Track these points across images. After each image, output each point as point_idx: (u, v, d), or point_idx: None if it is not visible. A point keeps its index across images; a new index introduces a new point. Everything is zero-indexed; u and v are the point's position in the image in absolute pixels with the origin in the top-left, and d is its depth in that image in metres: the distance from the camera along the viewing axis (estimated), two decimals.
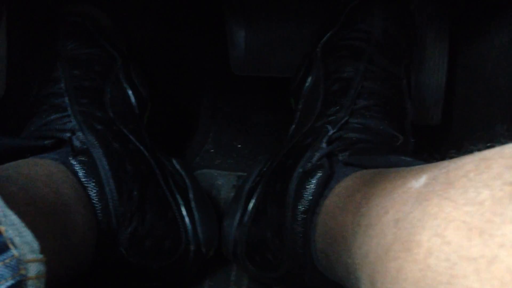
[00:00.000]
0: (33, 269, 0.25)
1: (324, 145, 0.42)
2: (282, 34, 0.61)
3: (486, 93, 0.52)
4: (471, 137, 0.53)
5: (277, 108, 0.68)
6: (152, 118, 0.55)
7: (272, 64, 0.63)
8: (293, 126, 0.50)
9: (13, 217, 0.26)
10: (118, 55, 0.52)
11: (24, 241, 0.26)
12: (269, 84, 0.67)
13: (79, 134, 0.44)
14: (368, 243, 0.26)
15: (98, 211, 0.41)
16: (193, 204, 0.49)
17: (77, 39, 0.51)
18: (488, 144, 0.22)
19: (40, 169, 0.39)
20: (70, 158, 0.42)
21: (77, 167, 0.41)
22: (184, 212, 0.48)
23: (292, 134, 0.49)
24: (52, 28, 0.52)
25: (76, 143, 0.43)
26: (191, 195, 0.49)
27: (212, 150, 0.67)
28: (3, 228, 0.25)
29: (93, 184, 0.41)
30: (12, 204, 0.27)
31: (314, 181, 0.40)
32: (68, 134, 0.43)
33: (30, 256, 0.25)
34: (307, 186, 0.40)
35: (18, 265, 0.25)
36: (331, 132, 0.43)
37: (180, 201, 0.48)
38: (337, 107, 0.45)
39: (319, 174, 0.40)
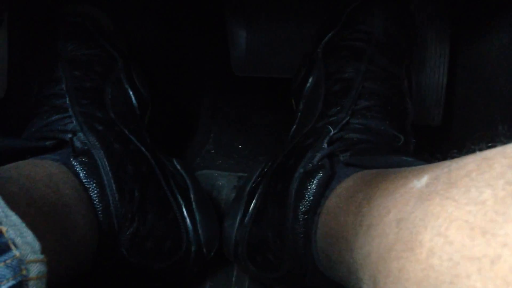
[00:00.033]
0: (34, 270, 0.25)
1: (325, 145, 0.42)
2: (282, 35, 0.61)
3: (487, 93, 0.52)
4: (472, 137, 0.53)
5: (277, 108, 0.68)
6: (153, 118, 0.55)
7: (273, 65, 0.63)
8: (294, 126, 0.50)
9: (14, 218, 0.26)
10: (118, 55, 0.52)
11: (25, 242, 0.26)
12: (269, 85, 0.67)
13: (80, 135, 0.44)
14: (370, 243, 0.26)
15: (99, 212, 0.41)
16: (194, 205, 0.49)
17: (78, 39, 0.51)
18: (490, 144, 0.22)
19: (41, 170, 0.39)
20: (71, 159, 0.42)
21: (78, 168, 0.41)
22: (185, 212, 0.48)
23: (293, 135, 0.49)
24: (53, 29, 0.52)
25: (77, 144, 0.43)
26: (192, 196, 0.49)
27: (212, 151, 0.67)
28: (4, 229, 0.25)
29: (94, 184, 0.41)
30: (13, 205, 0.27)
31: (315, 182, 0.40)
32: (69, 135, 0.43)
33: (31, 257, 0.25)
34: (308, 187, 0.40)
35: (19, 265, 0.24)
36: (332, 132, 0.43)
37: (181, 202, 0.48)
38: (338, 108, 0.45)
39: (320, 174, 0.40)
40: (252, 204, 0.48)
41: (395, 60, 0.48)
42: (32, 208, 0.32)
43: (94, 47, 0.51)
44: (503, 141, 0.21)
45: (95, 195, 0.41)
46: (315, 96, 0.48)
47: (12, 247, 0.25)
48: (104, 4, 0.55)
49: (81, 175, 0.41)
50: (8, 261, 0.24)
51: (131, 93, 0.51)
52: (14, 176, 0.35)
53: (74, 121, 0.45)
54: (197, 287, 0.52)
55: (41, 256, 0.26)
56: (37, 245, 0.26)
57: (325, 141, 0.42)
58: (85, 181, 0.41)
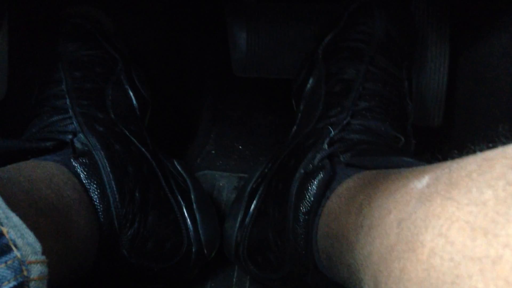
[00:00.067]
0: (35, 271, 0.25)
1: (325, 146, 0.42)
2: (283, 36, 0.61)
3: (487, 94, 0.52)
4: (472, 137, 0.53)
5: (278, 109, 0.68)
6: (153, 119, 0.55)
7: (273, 66, 0.63)
8: (295, 127, 0.50)
9: (15, 219, 0.26)
10: (119, 56, 0.52)
11: (26, 243, 0.26)
12: (270, 86, 0.67)
13: (81, 136, 0.44)
14: (371, 244, 0.26)
15: (99, 213, 0.41)
16: (194, 206, 0.49)
17: (79, 40, 0.51)
18: (490, 145, 0.22)
19: (41, 171, 0.39)
20: (71, 160, 0.42)
21: (79, 169, 0.41)
22: (185, 213, 0.48)
23: (294, 136, 0.49)
24: (54, 30, 0.52)
25: (78, 145, 0.43)
26: (192, 197, 0.49)
27: (213, 152, 0.67)
28: (5, 230, 0.25)
29: (95, 185, 0.41)
30: (14, 206, 0.27)
31: (316, 182, 0.40)
32: (69, 136, 0.43)
33: (32, 258, 0.25)
34: (309, 187, 0.40)
35: (20, 266, 0.24)
36: (332, 133, 0.43)
37: (182, 203, 0.48)
38: (339, 109, 0.45)
39: (320, 175, 0.40)
40: (252, 205, 0.48)
41: (396, 61, 0.48)
42: (33, 209, 0.32)
43: (94, 48, 0.51)
44: (504, 142, 0.21)
45: (96, 196, 0.41)
46: (316, 97, 0.48)
47: (13, 248, 0.25)
48: (105, 6, 0.55)
49: (81, 176, 0.41)
50: (9, 262, 0.24)
51: (131, 94, 0.51)
52: (14, 177, 0.35)
53: (74, 122, 0.45)
54: None
55: (42, 257, 0.26)
56: (38, 246, 0.26)
57: (326, 142, 0.42)
58: (86, 182, 0.41)
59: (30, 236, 0.26)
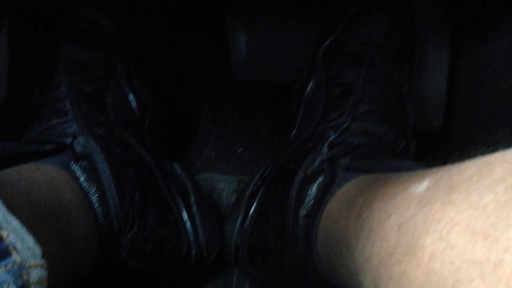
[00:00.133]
0: (35, 274, 0.25)
1: (325, 149, 0.42)
2: (283, 39, 0.61)
3: (488, 97, 0.52)
4: (472, 141, 0.53)
5: (278, 112, 0.68)
6: (153, 121, 0.55)
7: (273, 69, 0.63)
8: (294, 130, 0.50)
9: (14, 222, 0.26)
10: (119, 59, 0.52)
11: (25, 246, 0.26)
12: (270, 89, 0.67)
13: (80, 138, 0.44)
14: (371, 247, 0.26)
15: (99, 216, 0.41)
16: (194, 208, 0.49)
17: (79, 43, 0.51)
18: (490, 149, 0.22)
19: (41, 174, 0.39)
20: (71, 163, 0.42)
21: (79, 172, 0.41)
22: (185, 216, 0.48)
23: (294, 139, 0.49)
24: (54, 32, 0.52)
25: (78, 147, 0.43)
26: (192, 199, 0.49)
27: (213, 154, 0.67)
28: (5, 233, 0.25)
29: (95, 189, 0.41)
30: (13, 209, 0.27)
31: (315, 186, 0.40)
32: (69, 139, 0.43)
33: (32, 261, 0.25)
34: (309, 191, 0.40)
35: (20, 270, 0.24)
36: (332, 136, 0.43)
37: (182, 205, 0.48)
38: (339, 112, 0.45)
39: (320, 178, 0.40)
40: (252, 208, 0.48)
41: (396, 64, 0.48)
42: (33, 213, 0.32)
43: (94, 51, 0.51)
44: (504, 146, 0.21)
45: (95, 199, 0.41)
46: (316, 100, 0.48)
47: (13, 252, 0.25)
48: (105, 8, 0.55)
49: (81, 179, 0.41)
50: (8, 266, 0.24)
51: (131, 96, 0.51)
52: (14, 180, 0.35)
53: (74, 124, 0.45)
54: None
55: (41, 261, 0.26)
56: (37, 249, 0.26)
57: (326, 145, 0.42)
58: (86, 185, 0.41)
59: (30, 240, 0.26)
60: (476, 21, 0.55)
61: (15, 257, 0.25)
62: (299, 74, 0.53)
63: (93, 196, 0.41)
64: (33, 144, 0.43)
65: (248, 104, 0.70)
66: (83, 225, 0.38)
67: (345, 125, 0.44)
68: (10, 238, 0.25)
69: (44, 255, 0.26)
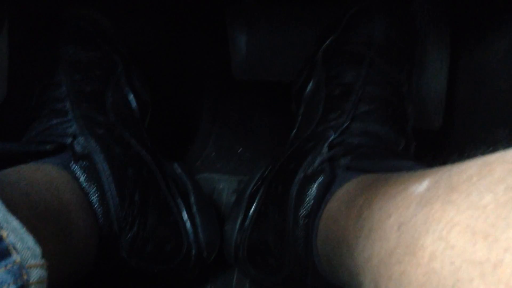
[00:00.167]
0: (35, 274, 0.25)
1: (325, 149, 0.42)
2: (283, 39, 0.61)
3: (488, 97, 0.52)
4: (472, 141, 0.53)
5: (278, 112, 0.68)
6: (153, 121, 0.55)
7: (273, 69, 0.63)
8: (295, 130, 0.50)
9: (14, 222, 0.26)
10: (119, 59, 0.52)
11: (25, 246, 0.26)
12: (270, 89, 0.67)
13: (80, 138, 0.44)
14: (371, 247, 0.26)
15: (99, 216, 0.41)
16: (194, 208, 0.49)
17: (79, 43, 0.51)
18: (490, 149, 0.22)
19: (41, 174, 0.39)
20: (71, 163, 0.42)
21: (79, 172, 0.41)
22: (185, 216, 0.48)
23: (294, 139, 0.49)
24: (54, 32, 0.52)
25: (77, 147, 0.43)
26: (192, 199, 0.49)
27: (213, 154, 0.67)
28: (5, 233, 0.25)
29: (95, 189, 0.41)
30: (13, 209, 0.27)
31: (315, 186, 0.40)
32: (69, 139, 0.43)
33: (32, 261, 0.25)
34: (309, 191, 0.40)
35: (20, 270, 0.24)
36: (332, 136, 0.43)
37: (182, 205, 0.48)
38: (339, 112, 0.45)
39: (320, 178, 0.40)
40: (252, 208, 0.48)
41: (396, 64, 0.48)
42: (33, 213, 0.32)
43: (94, 51, 0.51)
44: (504, 146, 0.21)
45: (95, 199, 0.41)
46: (316, 100, 0.48)
47: (13, 252, 0.25)
48: (105, 8, 0.55)
49: (81, 179, 0.41)
50: (8, 266, 0.24)
51: (131, 96, 0.51)
52: (14, 180, 0.35)
53: (74, 124, 0.45)
54: None
55: (41, 261, 0.26)
56: (37, 249, 0.26)
57: (326, 145, 0.43)
58: (86, 185, 0.41)
59: (30, 240, 0.26)
60: (476, 21, 0.55)
61: (15, 257, 0.25)
62: (299, 74, 0.53)
63: (93, 196, 0.41)
64: (33, 144, 0.43)
65: (248, 104, 0.70)
66: (83, 225, 0.38)
67: (345, 125, 0.44)
68: (10, 238, 0.25)
69: (44, 255, 0.26)
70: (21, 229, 0.26)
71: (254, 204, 0.48)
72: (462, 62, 0.58)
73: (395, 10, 0.50)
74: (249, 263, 0.48)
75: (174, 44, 0.68)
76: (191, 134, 0.68)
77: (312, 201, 0.40)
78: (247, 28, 0.61)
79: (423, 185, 0.24)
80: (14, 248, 0.25)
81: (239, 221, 0.48)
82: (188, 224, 0.48)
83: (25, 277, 0.25)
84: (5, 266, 0.24)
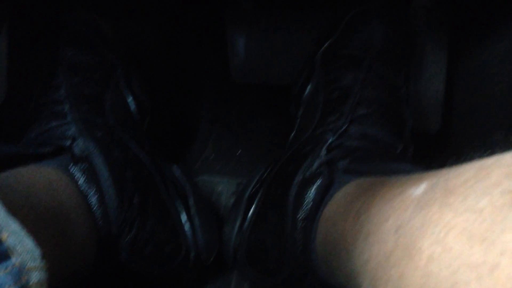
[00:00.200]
0: (35, 277, 0.25)
1: (323, 152, 0.42)
2: (281, 42, 0.61)
3: (485, 101, 0.52)
4: (470, 145, 0.53)
5: (277, 115, 0.68)
6: (152, 124, 0.55)
7: (272, 72, 0.63)
8: (293, 133, 0.50)
9: (14, 225, 0.26)
10: (118, 62, 0.52)
11: (25, 249, 0.26)
12: (269, 91, 0.67)
13: (79, 141, 0.44)
14: (368, 250, 0.26)
15: (98, 218, 0.41)
16: (193, 211, 0.49)
17: (78, 46, 0.51)
18: (487, 152, 0.22)
19: (40, 176, 0.39)
20: (70, 166, 0.42)
21: (78, 174, 0.41)
22: (184, 218, 0.48)
23: (292, 141, 0.49)
24: (53, 35, 0.52)
25: (76, 150, 0.43)
26: (191, 202, 0.50)
27: (212, 157, 0.67)
28: (4, 236, 0.25)
29: (94, 191, 0.42)
30: (13, 212, 0.27)
31: (314, 189, 0.40)
32: (68, 142, 0.43)
33: (31, 264, 0.26)
34: (307, 194, 0.40)
35: (19, 272, 0.25)
36: (330, 140, 0.43)
37: (180, 208, 0.48)
38: (337, 115, 0.45)
39: (318, 181, 0.40)
40: (251, 210, 0.48)
41: (394, 68, 0.49)
42: (32, 215, 0.32)
43: (93, 54, 0.52)
44: (501, 150, 0.21)
45: (95, 201, 0.41)
46: (314, 103, 0.48)
47: (13, 254, 0.25)
48: (105, 11, 0.56)
49: (80, 181, 0.41)
50: (8, 269, 0.24)
51: (130, 99, 0.51)
52: (13, 182, 0.35)
53: (73, 127, 0.45)
54: None
55: (41, 263, 0.26)
56: (37, 252, 0.26)
57: (324, 148, 0.43)
58: (85, 187, 0.41)
59: (30, 242, 0.26)
60: (473, 25, 0.56)
61: (15, 259, 0.25)
62: (298, 77, 0.53)
63: (92, 198, 0.41)
64: (32, 146, 0.43)
65: (247, 107, 0.70)
66: (82, 227, 0.38)
67: (344, 128, 0.44)
68: (10, 240, 0.25)
69: (44, 257, 0.26)
70: (20, 232, 0.26)
71: (253, 206, 0.48)
72: (460, 66, 0.58)
73: (393, 13, 0.50)
74: (247, 265, 0.48)
75: (173, 46, 0.68)
76: (190, 136, 0.68)
77: (311, 204, 0.40)
78: (246, 31, 0.61)
79: (420, 188, 0.24)
80: (14, 251, 0.25)
81: (238, 223, 0.48)
82: (187, 226, 0.48)
83: (24, 279, 0.25)
84: (5, 268, 0.24)
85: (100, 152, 0.43)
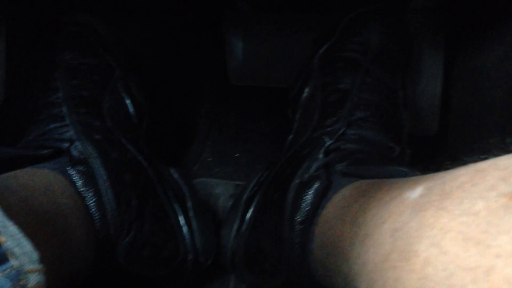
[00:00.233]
0: (33, 280, 0.25)
1: (321, 156, 0.43)
2: (279, 45, 0.62)
3: (481, 105, 0.52)
4: (466, 148, 0.53)
5: (274, 117, 0.68)
6: (150, 127, 0.55)
7: (269, 75, 0.63)
8: (291, 136, 0.50)
9: (12, 228, 0.26)
10: (116, 64, 0.52)
11: (23, 252, 0.26)
12: (266, 94, 0.67)
13: (78, 143, 0.44)
14: (365, 253, 0.26)
15: (96, 221, 0.41)
16: (191, 213, 0.49)
17: (76, 49, 0.51)
18: (483, 156, 0.22)
19: (38, 179, 0.39)
20: (68, 168, 0.42)
21: (75, 177, 0.41)
22: (182, 221, 0.48)
23: (290, 144, 0.49)
24: (51, 38, 0.52)
25: (75, 152, 0.43)
26: (189, 204, 0.50)
27: (209, 159, 0.67)
28: (3, 239, 0.25)
29: (92, 193, 0.42)
30: (11, 215, 0.27)
31: (311, 192, 0.40)
32: (66, 144, 0.43)
33: (29, 267, 0.26)
34: (304, 197, 0.41)
35: (18, 275, 0.25)
36: (328, 143, 0.43)
37: (178, 210, 0.48)
38: (334, 118, 0.45)
39: (316, 185, 0.40)
40: (249, 213, 0.48)
41: (391, 71, 0.49)
42: (30, 218, 0.32)
43: (92, 56, 0.52)
44: (496, 153, 0.22)
45: (92, 204, 0.41)
46: (312, 106, 0.49)
47: (11, 257, 0.25)
48: (103, 14, 0.56)
49: (78, 184, 0.41)
50: (6, 271, 0.24)
51: (128, 102, 0.51)
52: (11, 185, 0.35)
53: (71, 130, 0.45)
54: None
55: (39, 266, 0.26)
56: (35, 255, 0.26)
57: (321, 151, 0.43)
58: (82, 190, 0.41)
59: (28, 245, 0.26)
60: (470, 28, 0.56)
61: (13, 262, 0.25)
62: (295, 80, 0.53)
63: (90, 201, 0.41)
64: (30, 148, 0.43)
65: (245, 109, 0.70)
66: (80, 230, 0.38)
67: (341, 131, 0.44)
68: (8, 243, 0.25)
69: (42, 260, 0.26)
70: (18, 234, 0.26)
71: (251, 209, 0.48)
72: (457, 69, 0.58)
73: (390, 17, 0.51)
74: (245, 269, 0.48)
75: (171, 49, 0.69)
76: (188, 139, 0.68)
77: (308, 207, 0.40)
78: (244, 34, 0.61)
79: (416, 191, 0.24)
80: (12, 253, 0.25)
81: (235, 226, 0.48)
82: (184, 229, 0.48)
83: (23, 282, 0.25)
84: (3, 271, 0.24)
85: (98, 155, 0.43)
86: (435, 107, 0.58)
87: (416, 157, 0.47)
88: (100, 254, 0.41)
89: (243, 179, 0.59)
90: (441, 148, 0.60)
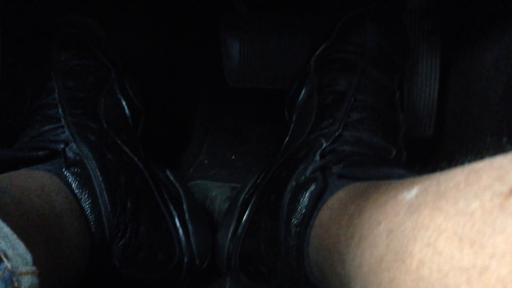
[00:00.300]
0: (26, 282, 0.25)
1: (317, 158, 0.42)
2: (276, 47, 0.62)
3: (477, 106, 0.53)
4: (462, 149, 0.53)
5: (271, 119, 0.68)
6: (146, 129, 0.55)
7: (266, 76, 0.63)
8: (287, 138, 0.50)
9: (6, 229, 0.26)
10: (112, 66, 0.52)
11: (17, 253, 0.26)
12: (263, 96, 0.67)
13: (73, 145, 0.44)
14: (361, 255, 0.26)
15: (91, 223, 0.41)
16: (187, 216, 0.49)
17: (72, 50, 0.51)
18: (478, 156, 0.22)
19: (33, 180, 0.39)
20: (63, 170, 0.41)
21: (70, 179, 0.41)
22: (177, 223, 0.48)
23: (286, 146, 0.49)
24: (47, 39, 0.52)
25: (70, 154, 0.43)
26: (185, 207, 0.49)
27: (206, 161, 0.67)
28: None
29: (86, 195, 0.41)
30: (5, 216, 0.27)
31: (308, 194, 0.40)
32: (61, 145, 0.43)
33: (23, 268, 0.25)
34: (301, 199, 0.40)
35: (11, 277, 0.24)
36: (324, 145, 0.43)
37: (174, 213, 0.48)
38: (331, 120, 0.45)
39: (312, 187, 0.40)
40: (245, 216, 0.48)
41: (387, 72, 0.49)
42: (24, 219, 0.32)
43: (87, 58, 0.51)
44: (491, 154, 0.22)
45: (87, 206, 0.41)
46: (308, 108, 0.49)
47: (4, 259, 0.25)
48: (99, 15, 0.56)
49: (73, 185, 0.41)
50: None
51: (124, 103, 0.51)
52: (6, 186, 0.35)
53: (66, 131, 0.45)
54: None
55: (32, 268, 0.26)
56: (28, 256, 0.26)
57: (318, 153, 0.43)
58: (77, 192, 0.41)
59: (21, 247, 0.26)
60: (467, 30, 0.56)
61: (6, 264, 0.25)
62: (292, 82, 0.53)
63: (85, 202, 0.41)
64: (25, 150, 0.43)
65: (241, 112, 0.70)
66: (75, 232, 0.38)
67: (337, 133, 0.44)
68: (1, 245, 0.25)
69: (35, 262, 0.26)
70: (12, 236, 0.26)
71: (247, 212, 0.48)
72: (453, 70, 0.58)
73: (387, 18, 0.51)
74: (241, 272, 0.48)
75: (167, 51, 0.69)
76: (184, 141, 0.68)
77: (304, 209, 0.40)
78: (240, 36, 0.61)
79: (412, 192, 0.24)
80: (5, 255, 0.25)
81: (231, 229, 0.48)
82: (180, 232, 0.48)
83: (16, 284, 0.24)
84: None
85: (93, 157, 0.43)
86: (431, 109, 0.58)
87: (412, 158, 0.47)
88: (95, 256, 0.41)
89: (239, 182, 0.59)
90: (437, 150, 0.60)
